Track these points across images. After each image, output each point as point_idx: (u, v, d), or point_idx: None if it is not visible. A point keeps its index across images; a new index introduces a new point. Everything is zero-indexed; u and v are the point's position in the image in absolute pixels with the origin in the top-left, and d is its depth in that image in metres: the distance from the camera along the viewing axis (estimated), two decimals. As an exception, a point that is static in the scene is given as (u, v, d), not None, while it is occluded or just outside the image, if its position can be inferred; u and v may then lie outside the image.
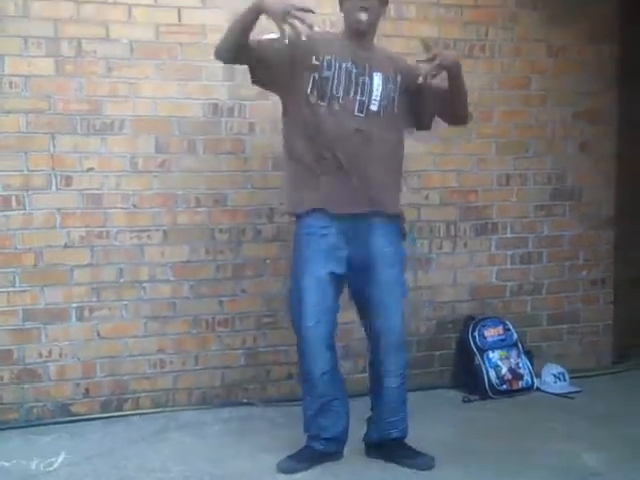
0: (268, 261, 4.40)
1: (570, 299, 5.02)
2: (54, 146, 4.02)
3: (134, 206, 4.16)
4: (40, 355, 4.07)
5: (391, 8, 4.43)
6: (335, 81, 3.35)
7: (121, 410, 4.19)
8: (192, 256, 4.27)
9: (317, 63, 3.34)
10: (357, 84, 3.37)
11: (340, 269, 3.38)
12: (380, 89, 3.39)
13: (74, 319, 4.10)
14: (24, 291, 4.02)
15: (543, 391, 4.54)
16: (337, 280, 3.40)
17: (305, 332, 3.38)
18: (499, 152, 4.82)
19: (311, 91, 3.35)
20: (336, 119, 3.33)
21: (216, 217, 4.30)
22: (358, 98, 3.36)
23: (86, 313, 4.12)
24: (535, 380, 4.57)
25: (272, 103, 4.28)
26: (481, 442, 3.75)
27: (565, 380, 4.62)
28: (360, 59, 3.39)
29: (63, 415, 4.09)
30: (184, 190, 4.23)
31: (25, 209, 4.00)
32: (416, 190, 4.63)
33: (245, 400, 4.37)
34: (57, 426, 3.99)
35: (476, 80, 4.68)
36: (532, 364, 4.62)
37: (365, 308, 3.50)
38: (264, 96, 4.27)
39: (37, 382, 4.07)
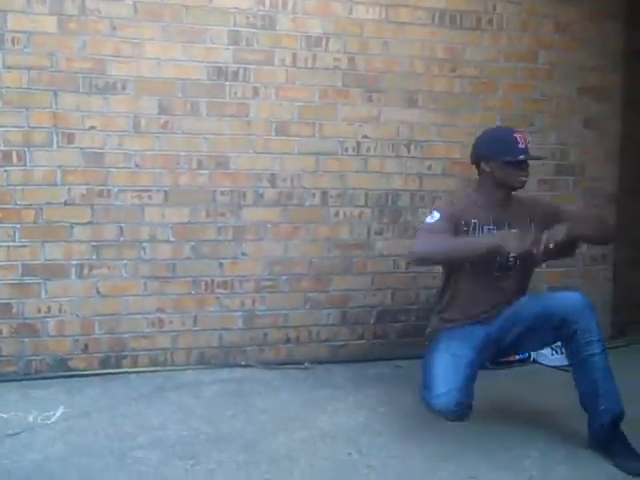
0: (269, 225, 4.39)
1: (570, 274, 4.99)
2: (56, 103, 4.01)
3: (136, 166, 4.14)
4: (39, 310, 4.07)
5: (400, -22, 4.47)
6: None
7: (119, 367, 4.20)
8: (193, 217, 4.26)
9: (465, 229, 3.49)
10: None
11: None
12: None
13: (74, 276, 4.10)
14: (24, 246, 4.02)
15: (540, 363, 4.54)
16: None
17: None
18: (504, 124, 4.76)
19: None
20: (479, 280, 3.47)
21: (218, 179, 4.29)
22: (497, 259, 3.46)
23: (85, 270, 4.12)
24: (532, 353, 4.57)
25: (276, 69, 4.32)
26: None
27: (562, 353, 4.55)
28: (500, 219, 3.50)
29: (61, 369, 4.10)
30: (186, 152, 4.22)
31: (26, 165, 3.99)
32: (419, 160, 4.63)
33: (243, 362, 4.37)
34: (55, 380, 4.00)
35: (482, 52, 4.72)
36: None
37: (534, 326, 3.43)
38: (269, 61, 4.31)
39: (36, 337, 4.08)
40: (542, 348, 4.11)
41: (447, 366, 3.34)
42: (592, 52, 4.96)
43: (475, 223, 3.50)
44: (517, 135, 3.50)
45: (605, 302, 5.09)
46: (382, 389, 4.04)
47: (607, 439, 3.25)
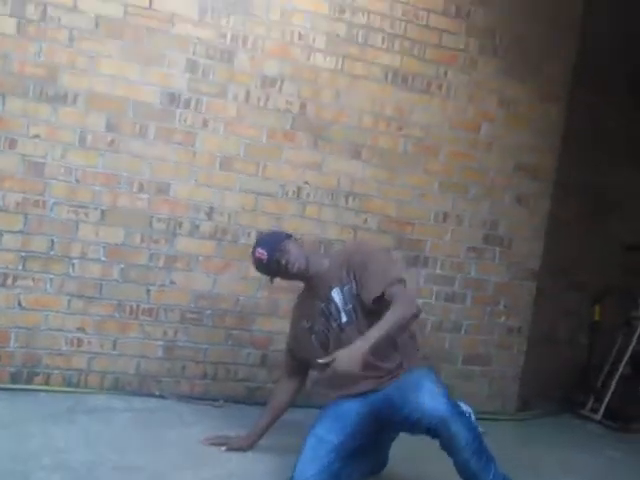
0: (201, 258, 4.36)
1: (486, 342, 5.10)
2: (2, 106, 3.92)
3: (76, 180, 4.08)
4: (-47, 317, 3.95)
5: (359, 33, 4.57)
6: (322, 330, 3.53)
7: (30, 384, 4.07)
8: (127, 240, 4.21)
9: (308, 325, 3.59)
10: (329, 314, 3.50)
11: None
12: (340, 298, 3.49)
13: (-4, 284, 3.99)
14: (-52, 245, 3.90)
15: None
16: None
17: None
18: (441, 189, 4.90)
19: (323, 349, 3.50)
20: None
21: (156, 205, 4.25)
22: (336, 324, 3.48)
23: (9, 280, 4.00)
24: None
25: (229, 103, 4.33)
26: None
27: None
28: (319, 291, 3.53)
29: (-32, 380, 3.97)
30: (129, 173, 4.18)
31: (-39, 166, 3.88)
32: (356, 212, 4.68)
33: (157, 392, 4.31)
34: (-39, 392, 3.86)
35: (429, 116, 4.82)
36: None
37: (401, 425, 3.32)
38: (222, 95, 4.32)
39: (-55, 343, 3.95)
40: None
41: (309, 450, 3.30)
42: (532, 131, 5.12)
43: (307, 320, 3.58)
44: (256, 250, 3.55)
45: (515, 374, 5.23)
46: (293, 435, 3.98)
47: None
